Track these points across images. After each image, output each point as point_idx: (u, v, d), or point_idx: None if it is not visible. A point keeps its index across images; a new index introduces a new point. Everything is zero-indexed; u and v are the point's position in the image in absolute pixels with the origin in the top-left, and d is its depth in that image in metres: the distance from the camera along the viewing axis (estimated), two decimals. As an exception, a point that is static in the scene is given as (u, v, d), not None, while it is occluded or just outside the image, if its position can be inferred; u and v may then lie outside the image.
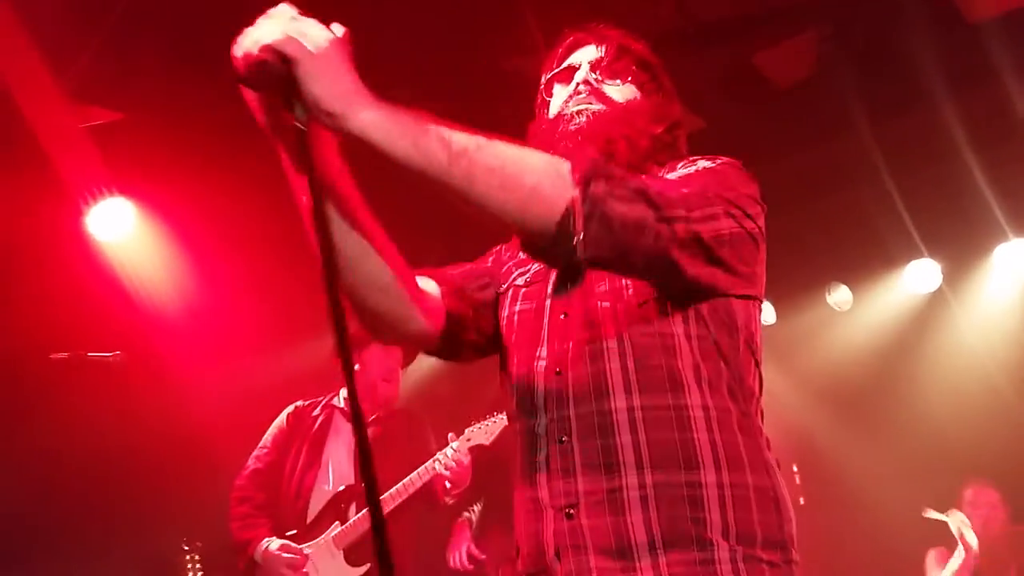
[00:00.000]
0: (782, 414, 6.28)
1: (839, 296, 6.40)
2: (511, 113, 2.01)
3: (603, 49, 1.89)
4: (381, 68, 4.33)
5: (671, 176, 1.71)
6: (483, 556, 4.54)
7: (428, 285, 1.81)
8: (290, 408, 4.60)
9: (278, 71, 1.32)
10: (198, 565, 4.52)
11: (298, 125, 1.35)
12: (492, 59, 4.33)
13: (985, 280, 6.11)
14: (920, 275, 6.13)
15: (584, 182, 1.44)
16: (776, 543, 1.62)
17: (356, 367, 4.47)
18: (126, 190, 4.68)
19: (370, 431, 4.42)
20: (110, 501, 4.73)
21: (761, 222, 1.69)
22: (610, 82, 1.86)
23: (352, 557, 4.23)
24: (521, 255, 1.92)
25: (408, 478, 4.24)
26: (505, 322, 1.88)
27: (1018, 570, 5.03)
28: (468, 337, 1.87)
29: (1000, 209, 5.47)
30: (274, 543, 4.17)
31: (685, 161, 1.81)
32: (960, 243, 5.97)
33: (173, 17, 3.91)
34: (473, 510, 4.67)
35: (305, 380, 4.94)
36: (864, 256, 6.18)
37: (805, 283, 6.17)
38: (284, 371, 5.27)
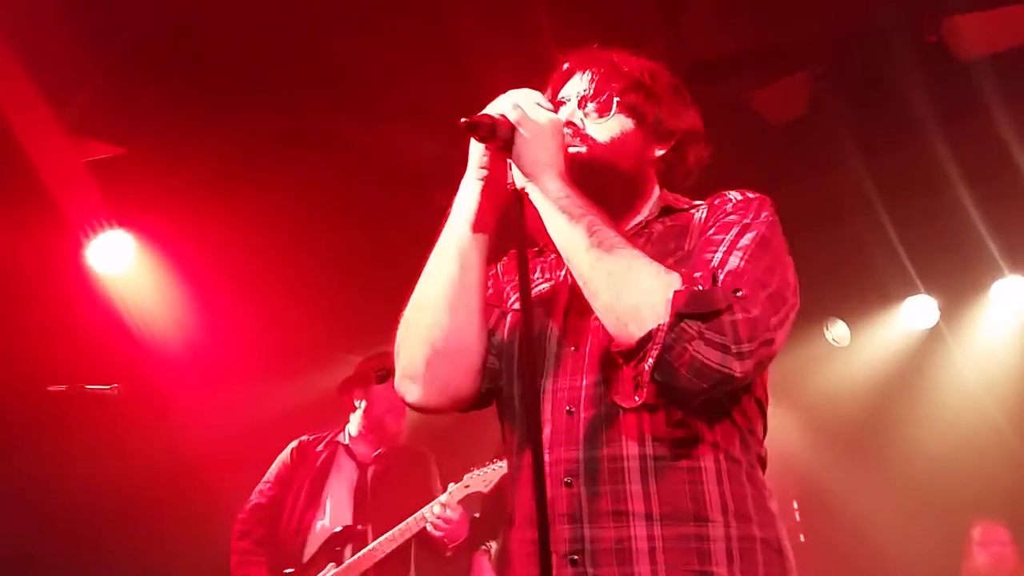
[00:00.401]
0: (781, 450, 6.23)
1: (837, 332, 6.41)
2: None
3: (590, 79, 1.89)
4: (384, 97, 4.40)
5: (737, 256, 1.64)
6: None
7: None
8: (294, 443, 4.59)
9: (503, 133, 1.64)
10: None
11: (517, 188, 1.66)
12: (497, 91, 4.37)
13: (982, 316, 6.11)
14: (917, 311, 6.15)
15: (678, 316, 1.49)
16: None
17: (362, 403, 4.52)
18: (126, 223, 4.71)
19: (373, 468, 4.44)
20: (105, 535, 4.71)
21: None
22: (596, 119, 1.86)
23: None
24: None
25: (403, 524, 4.21)
26: (500, 349, 1.86)
27: None
28: (499, 387, 1.88)
29: (995, 245, 5.49)
30: None
31: (722, 202, 1.79)
32: (957, 279, 5.98)
33: (174, 51, 3.95)
34: (490, 546, 4.60)
35: (304, 413, 4.94)
36: (861, 292, 6.19)
37: (803, 319, 5.96)
38: (283, 404, 5.26)
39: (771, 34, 4.27)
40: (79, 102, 3.93)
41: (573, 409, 1.69)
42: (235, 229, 4.72)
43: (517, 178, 1.66)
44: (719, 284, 1.55)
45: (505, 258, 2.01)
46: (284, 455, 4.56)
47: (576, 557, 1.60)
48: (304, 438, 4.62)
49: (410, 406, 1.88)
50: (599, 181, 1.76)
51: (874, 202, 5.23)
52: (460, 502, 4.26)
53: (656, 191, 1.92)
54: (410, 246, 1.87)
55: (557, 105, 1.89)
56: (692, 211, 1.84)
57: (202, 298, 5.08)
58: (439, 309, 1.79)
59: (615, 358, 1.59)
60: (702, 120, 1.98)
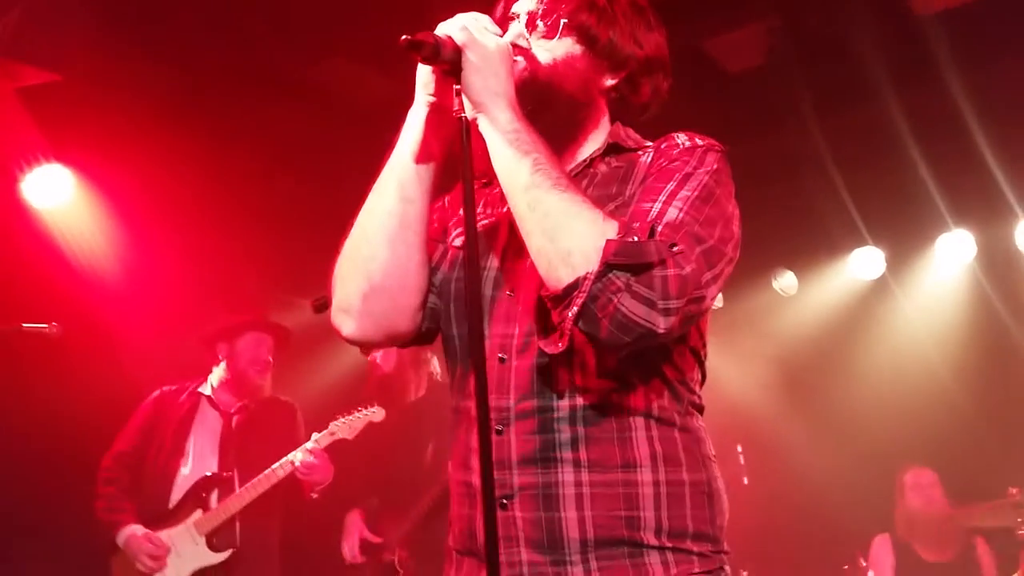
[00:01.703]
0: (727, 396, 6.35)
1: (785, 282, 6.47)
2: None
3: None
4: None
5: (676, 205, 1.58)
6: (378, 539, 4.56)
7: None
8: (156, 393, 4.65)
9: (448, 55, 1.55)
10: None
11: (464, 115, 1.57)
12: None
13: (927, 268, 6.21)
14: (864, 262, 6.22)
15: (607, 265, 1.45)
16: (707, 536, 1.65)
17: (224, 359, 4.59)
18: (63, 157, 4.57)
19: (237, 417, 4.52)
20: (46, 477, 4.64)
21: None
22: (541, 40, 1.77)
23: (215, 543, 4.31)
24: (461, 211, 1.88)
25: (268, 470, 4.31)
26: (441, 287, 1.82)
27: (960, 551, 5.14)
28: (440, 325, 1.84)
29: (942, 200, 5.55)
30: (138, 530, 4.25)
31: (670, 153, 1.71)
32: (903, 232, 6.07)
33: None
34: (371, 502, 4.70)
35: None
36: (810, 243, 6.25)
37: (752, 268, 6.22)
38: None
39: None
40: (7, 22, 3.76)
41: (505, 357, 1.67)
42: (178, 164, 4.61)
43: (465, 106, 1.58)
44: (655, 236, 1.50)
45: (455, 190, 1.93)
46: (145, 404, 4.61)
47: (505, 502, 1.61)
48: (165, 388, 4.67)
49: (344, 339, 1.81)
50: (539, 106, 1.68)
51: (824, 155, 5.26)
52: (330, 450, 4.38)
53: (605, 123, 1.85)
54: (361, 187, 1.79)
55: (507, 20, 1.81)
56: (639, 152, 1.77)
57: (143, 235, 4.96)
58: (377, 243, 1.73)
59: (544, 302, 1.56)
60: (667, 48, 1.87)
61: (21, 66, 4.09)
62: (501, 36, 1.64)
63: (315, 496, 4.43)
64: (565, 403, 1.61)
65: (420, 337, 1.86)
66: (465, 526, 1.69)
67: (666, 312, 1.45)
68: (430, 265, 1.82)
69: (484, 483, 1.42)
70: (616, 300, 1.44)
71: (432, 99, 1.69)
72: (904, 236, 6.10)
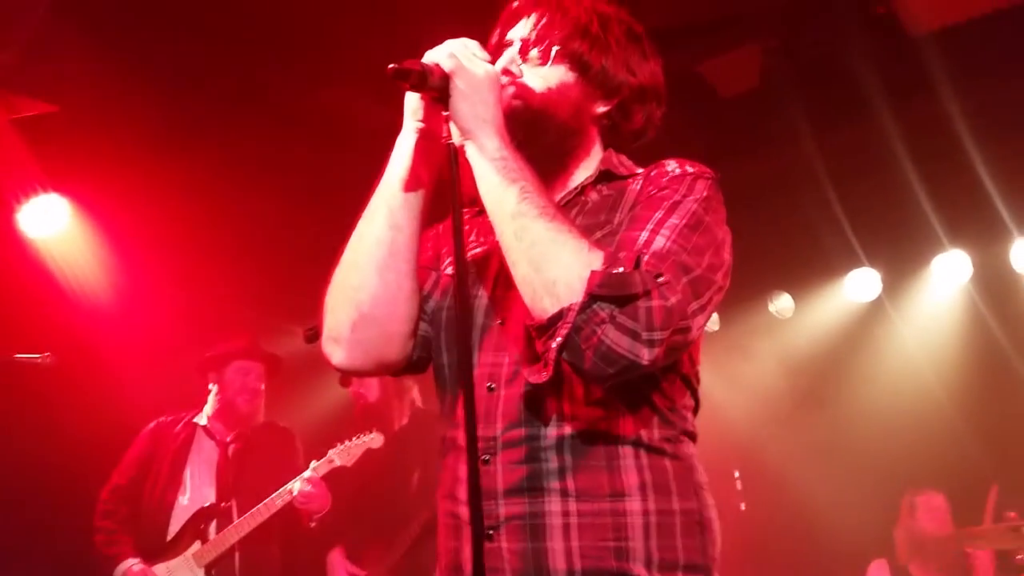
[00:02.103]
0: (724, 420, 6.33)
1: (781, 304, 6.47)
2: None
3: (535, 21, 1.79)
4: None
5: (664, 234, 1.56)
6: (364, 573, 4.53)
7: None
8: (151, 424, 4.62)
9: (436, 82, 1.56)
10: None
11: (452, 143, 1.57)
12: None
13: (923, 289, 6.21)
14: (860, 284, 6.22)
15: (591, 296, 1.44)
16: (698, 567, 1.61)
17: (215, 386, 4.59)
18: (59, 186, 4.56)
19: (234, 446, 4.49)
20: (37, 507, 4.60)
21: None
22: (533, 67, 1.77)
23: (214, 574, 4.26)
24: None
25: (268, 499, 4.28)
26: (432, 315, 1.81)
27: (961, 570, 5.11)
28: (431, 354, 1.83)
29: (938, 220, 5.56)
30: (135, 566, 4.21)
31: (660, 183, 1.69)
32: (899, 253, 6.07)
33: (110, 5, 3.81)
34: (353, 534, 4.67)
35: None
36: (806, 265, 6.26)
37: (748, 291, 6.22)
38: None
39: (723, 4, 4.25)
40: (6, 56, 3.76)
41: (494, 386, 1.65)
42: (174, 193, 4.60)
43: (454, 133, 1.58)
44: (641, 266, 1.49)
45: (449, 218, 1.89)
46: (142, 436, 4.59)
47: (491, 533, 1.58)
48: (162, 419, 4.64)
49: (335, 368, 1.80)
50: (530, 133, 1.68)
51: (820, 176, 5.27)
52: (325, 478, 4.36)
53: (597, 150, 1.84)
54: (357, 214, 1.78)
55: (502, 47, 1.81)
56: (630, 180, 1.76)
57: (138, 264, 4.96)
58: (366, 271, 1.72)
59: (530, 331, 1.55)
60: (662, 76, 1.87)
61: (18, 98, 4.11)
62: (491, 63, 1.64)
63: (313, 525, 4.39)
64: (552, 432, 1.59)
65: (411, 366, 1.84)
66: (451, 559, 1.66)
67: (650, 343, 1.44)
68: (421, 293, 1.80)
69: (472, 514, 1.41)
70: (600, 332, 1.43)
71: (421, 126, 1.68)
72: (900, 257, 6.11)
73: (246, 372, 4.61)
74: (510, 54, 1.78)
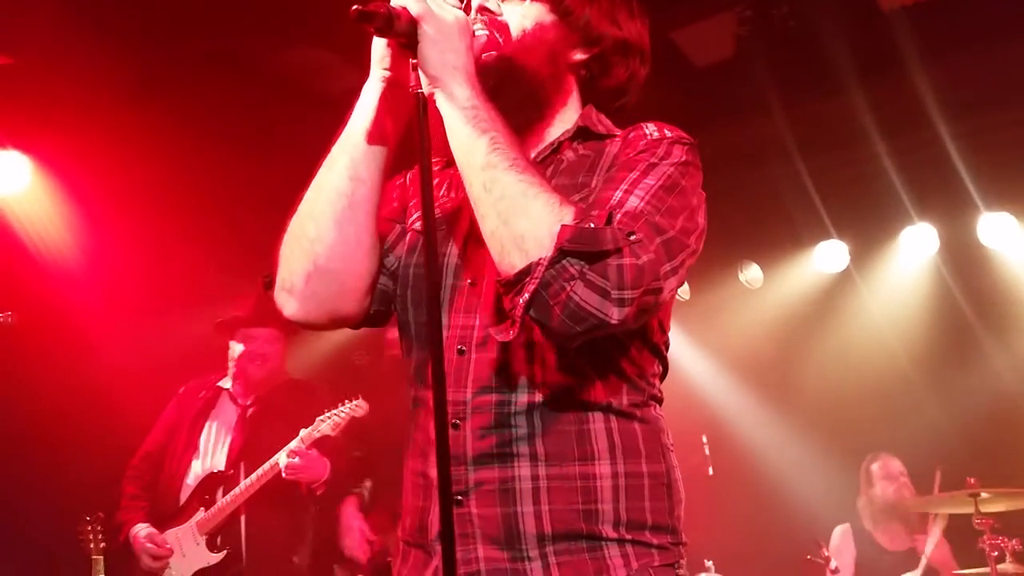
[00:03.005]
0: (693, 387, 6.38)
1: (750, 274, 6.51)
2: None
3: None
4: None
5: (639, 194, 1.54)
6: (375, 538, 4.49)
7: None
8: (181, 389, 4.58)
9: (403, 27, 1.48)
10: (100, 536, 4.40)
11: (420, 91, 1.49)
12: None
13: (891, 261, 6.26)
14: (828, 255, 6.26)
15: (561, 251, 1.40)
16: (666, 527, 1.62)
17: (231, 348, 4.52)
18: (19, 143, 4.48)
19: (252, 409, 4.41)
20: (3, 472, 4.56)
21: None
22: (513, 4, 1.72)
23: (212, 543, 4.21)
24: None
25: (260, 469, 4.20)
26: (396, 271, 1.76)
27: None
28: (392, 309, 1.79)
29: (906, 193, 5.61)
30: (143, 531, 4.19)
31: (637, 137, 1.66)
32: (867, 225, 6.11)
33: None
34: (365, 486, 4.60)
35: (208, 343, 4.81)
36: (775, 236, 6.29)
37: (718, 261, 6.25)
38: (186, 334, 5.13)
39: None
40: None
41: (464, 349, 1.62)
42: (138, 150, 4.52)
43: (422, 82, 1.51)
44: (613, 223, 1.46)
45: (416, 168, 1.81)
46: (172, 401, 4.55)
47: (460, 498, 1.57)
48: (191, 382, 4.59)
49: (289, 319, 1.74)
50: (503, 76, 1.65)
51: (791, 148, 5.29)
52: (335, 441, 4.27)
53: (575, 104, 1.79)
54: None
55: None
56: (608, 141, 1.72)
57: (103, 222, 4.88)
58: (324, 223, 1.66)
59: (497, 287, 1.52)
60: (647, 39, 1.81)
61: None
62: (458, 7, 1.58)
63: (319, 492, 4.29)
64: (523, 398, 1.58)
65: (368, 320, 1.79)
66: (417, 519, 1.65)
67: (620, 302, 1.41)
68: (384, 246, 1.76)
69: (441, 480, 1.38)
70: (569, 288, 1.39)
71: (387, 74, 1.62)
72: (868, 229, 6.15)
73: (252, 339, 4.52)
74: None
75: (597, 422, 1.59)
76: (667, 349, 1.76)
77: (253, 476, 4.20)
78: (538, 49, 1.70)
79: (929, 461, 5.32)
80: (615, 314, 1.41)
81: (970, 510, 4.57)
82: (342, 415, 4.29)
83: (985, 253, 5.94)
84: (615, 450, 1.59)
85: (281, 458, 4.18)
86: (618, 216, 1.47)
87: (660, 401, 1.72)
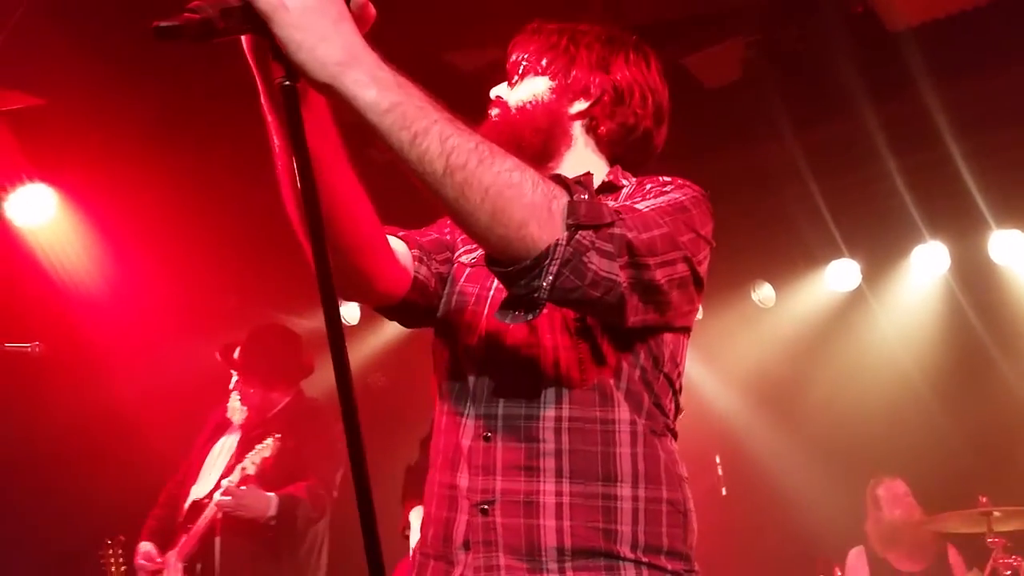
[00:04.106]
0: (707, 407, 6.41)
1: (763, 293, 6.54)
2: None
3: (523, 56, 1.88)
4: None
5: (643, 205, 1.62)
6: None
7: (397, 245, 1.77)
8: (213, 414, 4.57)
9: (234, 24, 1.17)
10: (121, 559, 4.44)
11: (285, 82, 1.18)
12: (434, 52, 4.34)
13: (902, 280, 6.29)
14: (840, 274, 6.28)
15: (574, 226, 1.39)
16: (680, 554, 1.68)
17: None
18: (46, 176, 4.57)
19: (255, 432, 4.32)
20: (28, 496, 4.61)
21: (707, 264, 1.69)
22: (511, 88, 1.87)
23: (190, 569, 4.17)
24: None
25: (216, 495, 4.14)
26: (445, 299, 1.84)
27: (933, 560, 5.19)
28: (429, 305, 1.83)
29: (917, 212, 5.63)
30: (142, 548, 4.23)
31: (654, 184, 1.74)
32: (879, 244, 6.14)
33: (93, 5, 3.82)
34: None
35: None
36: (787, 255, 6.32)
37: (731, 281, 6.28)
38: (209, 359, 5.18)
39: (708, 2, 4.30)
40: (-8, 47, 3.77)
41: (494, 368, 1.70)
42: (162, 182, 4.60)
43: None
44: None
45: None
46: (204, 427, 4.56)
47: (486, 507, 1.63)
48: (219, 407, 4.58)
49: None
50: (511, 142, 1.70)
51: (801, 168, 5.33)
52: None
53: (585, 150, 1.87)
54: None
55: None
56: (624, 188, 1.81)
57: (127, 254, 4.96)
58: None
59: (498, 278, 1.48)
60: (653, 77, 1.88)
61: (4, 91, 4.10)
62: None
63: (273, 523, 4.10)
64: (552, 413, 1.64)
65: (403, 306, 1.78)
66: (441, 529, 1.70)
67: (623, 267, 1.45)
68: (440, 253, 1.83)
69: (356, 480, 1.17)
70: (587, 259, 1.40)
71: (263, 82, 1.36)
72: (880, 248, 6.18)
73: (229, 380, 4.53)
74: (503, 87, 1.87)
75: (623, 445, 1.65)
76: (680, 388, 1.81)
77: (198, 493, 4.19)
78: (536, 110, 1.82)
79: (942, 480, 5.34)
80: (622, 276, 1.45)
81: (982, 529, 4.58)
82: (258, 454, 4.16)
83: (996, 270, 5.97)
84: (637, 474, 1.65)
85: (216, 495, 4.09)
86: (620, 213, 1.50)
87: (676, 435, 1.79)
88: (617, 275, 1.44)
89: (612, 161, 1.90)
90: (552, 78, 1.84)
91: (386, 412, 4.59)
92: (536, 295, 1.41)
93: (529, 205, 1.36)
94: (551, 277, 1.39)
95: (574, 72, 1.84)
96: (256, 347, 4.48)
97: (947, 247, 6.00)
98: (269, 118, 1.41)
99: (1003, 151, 5.24)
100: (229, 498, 4.03)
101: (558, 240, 1.38)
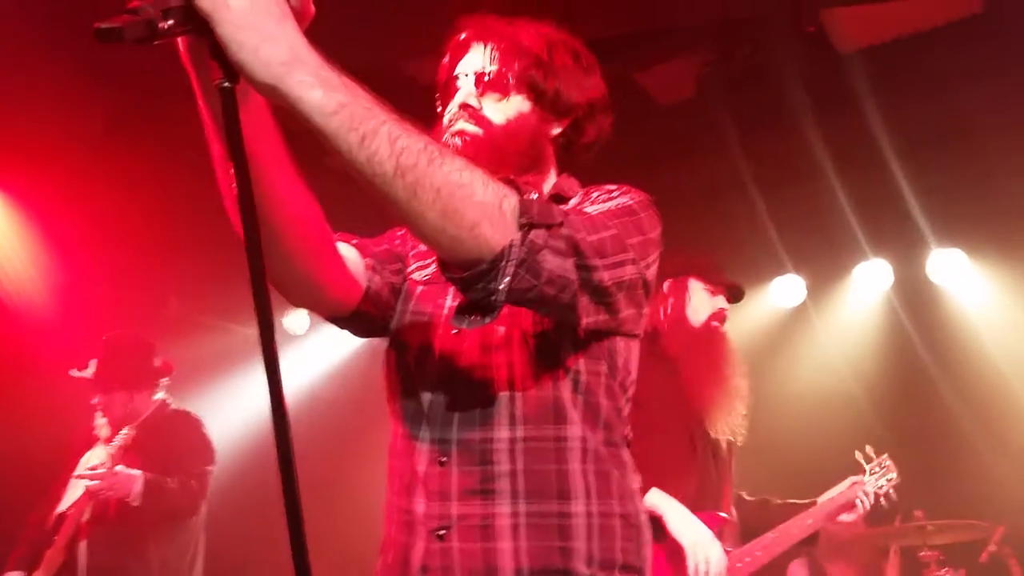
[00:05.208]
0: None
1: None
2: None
3: (489, 55, 1.80)
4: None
5: (591, 210, 1.64)
6: None
7: (349, 253, 1.72)
8: None
9: (175, 27, 1.12)
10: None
11: (224, 84, 1.14)
12: (392, 60, 4.32)
13: (846, 296, 6.39)
14: (785, 290, 6.37)
15: (526, 225, 1.38)
16: (634, 568, 1.68)
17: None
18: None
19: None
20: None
21: (656, 267, 1.70)
22: (492, 98, 1.79)
23: None
24: (422, 247, 1.86)
25: (68, 498, 4.08)
26: (398, 316, 1.81)
27: (875, 569, 5.27)
28: (382, 316, 1.80)
29: (861, 230, 5.75)
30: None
31: (601, 191, 1.76)
32: (823, 260, 6.24)
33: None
34: None
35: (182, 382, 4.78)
36: (732, 270, 6.35)
37: (677, 294, 6.32)
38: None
39: (662, 17, 4.35)
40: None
41: (448, 391, 1.69)
42: (110, 189, 4.51)
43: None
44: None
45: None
46: None
47: (443, 533, 1.62)
48: None
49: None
50: (493, 163, 1.64)
51: (749, 184, 5.41)
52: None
53: (553, 174, 1.88)
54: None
55: (452, 80, 1.83)
56: (572, 197, 1.81)
57: (72, 260, 4.85)
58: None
59: (454, 284, 1.46)
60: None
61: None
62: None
63: (137, 504, 4.01)
64: (506, 435, 1.64)
65: (355, 316, 1.75)
66: (400, 555, 1.68)
67: (573, 266, 1.45)
68: (390, 266, 1.79)
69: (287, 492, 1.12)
70: (541, 259, 1.40)
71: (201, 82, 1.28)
72: (824, 264, 6.27)
73: (92, 398, 4.38)
74: (468, 86, 1.79)
75: (575, 462, 1.65)
76: (632, 396, 1.80)
77: (62, 506, 4.08)
78: (521, 134, 1.78)
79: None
80: (575, 275, 1.45)
81: (918, 542, 4.66)
82: (117, 445, 4.12)
83: (936, 288, 6.10)
84: (590, 490, 1.65)
85: (84, 480, 4.00)
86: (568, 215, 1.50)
87: (629, 444, 1.78)
88: (571, 273, 1.45)
89: (560, 169, 1.90)
90: (537, 98, 1.80)
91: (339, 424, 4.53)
92: (493, 298, 1.39)
93: (480, 204, 1.34)
94: (507, 278, 1.37)
95: (559, 92, 1.81)
96: (110, 355, 4.36)
97: (890, 264, 6.12)
98: (206, 122, 1.34)
99: (944, 172, 5.37)
100: (98, 481, 3.96)
101: (512, 241, 1.36)
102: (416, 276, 1.84)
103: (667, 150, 5.15)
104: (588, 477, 1.65)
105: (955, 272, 6.02)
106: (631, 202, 1.68)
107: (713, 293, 3.99)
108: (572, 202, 1.79)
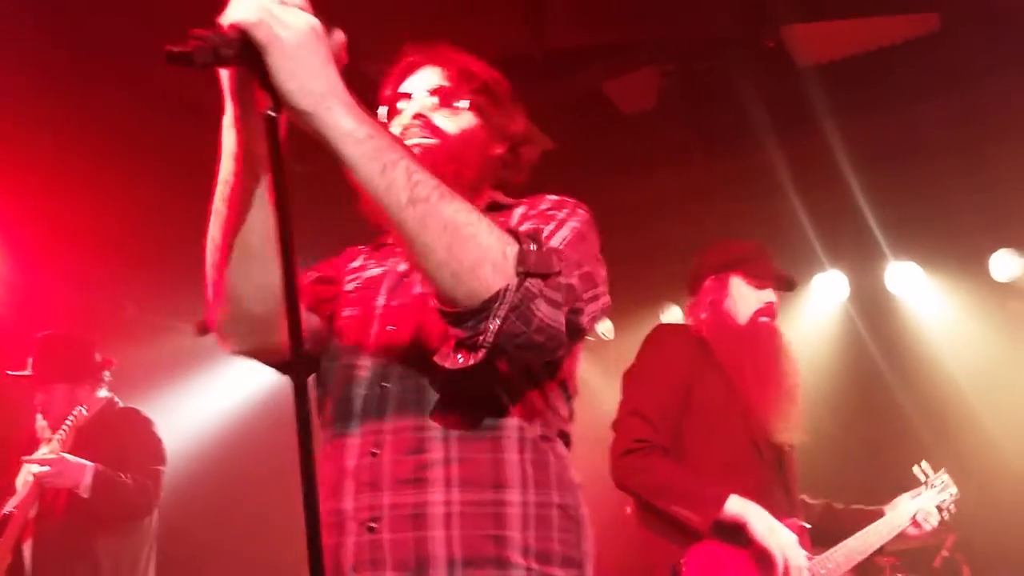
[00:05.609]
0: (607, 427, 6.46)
1: (672, 316, 6.65)
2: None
3: (440, 74, 1.90)
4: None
5: (556, 241, 1.65)
6: None
7: None
8: None
9: (229, 52, 1.24)
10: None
11: (269, 113, 1.28)
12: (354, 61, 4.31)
13: (803, 306, 6.47)
14: (744, 300, 6.43)
15: (524, 274, 1.43)
16: (573, 560, 1.69)
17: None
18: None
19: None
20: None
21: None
22: (445, 112, 1.87)
23: None
24: (362, 260, 1.94)
25: (16, 497, 3.98)
26: (331, 330, 1.84)
27: None
28: (324, 353, 1.82)
29: (818, 241, 5.83)
30: None
31: (540, 201, 1.81)
32: (781, 271, 6.30)
33: None
34: None
35: (128, 384, 4.72)
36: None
37: (641, 301, 6.38)
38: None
39: (626, 30, 4.39)
40: None
41: (383, 384, 1.70)
42: (64, 192, 4.46)
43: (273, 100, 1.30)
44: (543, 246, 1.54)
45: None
46: None
47: (374, 524, 1.62)
48: None
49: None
50: (448, 173, 1.67)
51: (707, 194, 5.47)
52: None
53: (487, 191, 1.95)
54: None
55: (398, 98, 1.90)
56: (514, 208, 1.86)
57: (26, 263, 4.78)
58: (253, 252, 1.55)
59: (443, 319, 1.49)
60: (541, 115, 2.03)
61: None
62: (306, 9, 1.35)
63: (87, 496, 3.88)
64: (439, 423, 1.65)
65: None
66: (332, 558, 1.65)
67: (566, 315, 1.51)
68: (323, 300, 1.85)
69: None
70: (534, 307, 1.44)
71: (236, 110, 1.41)
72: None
73: (32, 399, 4.27)
74: (420, 98, 1.87)
75: (511, 451, 1.66)
76: (575, 392, 1.85)
77: (8, 507, 3.97)
78: (472, 146, 1.86)
79: (840, 500, 5.48)
80: (563, 326, 1.50)
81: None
82: (60, 436, 4.00)
83: (892, 299, 6.21)
84: (527, 480, 1.65)
85: (33, 468, 3.89)
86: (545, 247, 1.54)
87: (568, 441, 1.81)
88: (561, 323, 1.49)
89: (493, 185, 1.98)
90: (484, 120, 1.90)
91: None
92: (482, 337, 1.44)
93: (485, 246, 1.41)
94: (498, 320, 1.42)
95: (501, 119, 1.93)
96: (47, 349, 4.26)
97: (847, 276, 6.21)
98: (230, 145, 1.45)
99: (900, 186, 5.47)
100: (47, 467, 3.83)
101: (508, 285, 1.42)
102: (348, 287, 1.89)
103: (629, 159, 5.19)
104: (525, 467, 1.66)
105: (911, 284, 6.13)
106: (580, 225, 1.72)
107: (759, 287, 3.79)
108: (517, 212, 1.82)
